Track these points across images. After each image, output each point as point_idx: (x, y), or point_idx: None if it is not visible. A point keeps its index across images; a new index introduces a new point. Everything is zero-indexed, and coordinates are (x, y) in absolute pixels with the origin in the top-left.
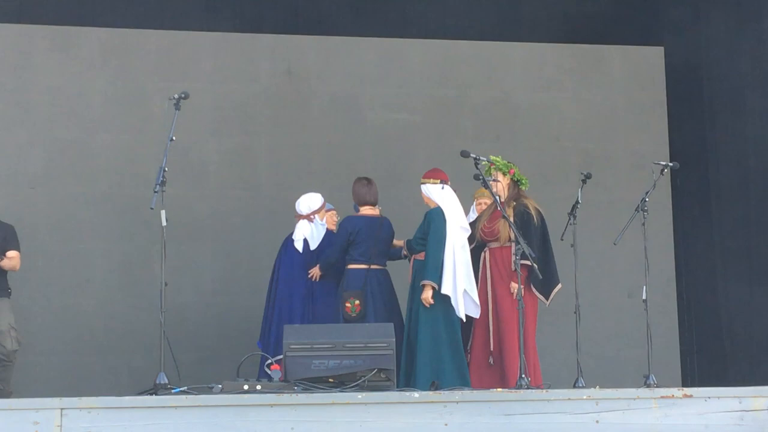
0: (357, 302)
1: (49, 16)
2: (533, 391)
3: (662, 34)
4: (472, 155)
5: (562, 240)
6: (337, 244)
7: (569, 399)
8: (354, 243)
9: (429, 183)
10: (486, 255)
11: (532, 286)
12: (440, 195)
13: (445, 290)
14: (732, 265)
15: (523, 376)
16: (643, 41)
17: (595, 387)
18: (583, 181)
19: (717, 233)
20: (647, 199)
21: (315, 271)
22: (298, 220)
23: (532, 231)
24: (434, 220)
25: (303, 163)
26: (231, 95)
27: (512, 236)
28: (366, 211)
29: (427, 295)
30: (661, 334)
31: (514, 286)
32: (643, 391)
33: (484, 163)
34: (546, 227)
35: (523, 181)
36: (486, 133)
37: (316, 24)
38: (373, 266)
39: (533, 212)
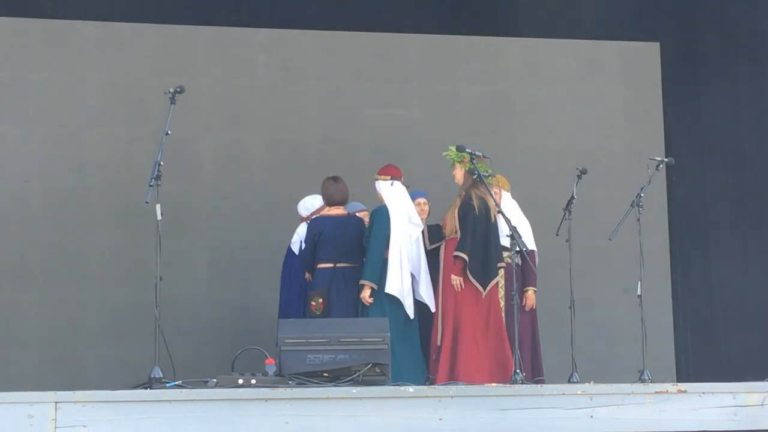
0: (320, 300)
1: (44, 10)
2: (528, 386)
3: (658, 30)
4: (467, 150)
5: (557, 235)
6: (306, 246)
7: (563, 394)
8: (319, 244)
9: (380, 180)
10: (442, 246)
11: (469, 275)
12: (388, 191)
13: (389, 289)
14: (727, 261)
15: (518, 371)
16: (638, 37)
17: (589, 382)
18: (579, 177)
19: (712, 229)
20: (642, 195)
21: (308, 274)
22: (300, 223)
23: (470, 221)
24: (376, 219)
25: (299, 159)
26: (227, 90)
27: (457, 228)
28: (333, 210)
29: (365, 294)
30: (656, 330)
31: (454, 278)
32: (638, 387)
33: (477, 160)
34: (489, 218)
35: (483, 168)
36: (482, 129)
37: (312, 19)
38: (339, 264)
39: (476, 202)
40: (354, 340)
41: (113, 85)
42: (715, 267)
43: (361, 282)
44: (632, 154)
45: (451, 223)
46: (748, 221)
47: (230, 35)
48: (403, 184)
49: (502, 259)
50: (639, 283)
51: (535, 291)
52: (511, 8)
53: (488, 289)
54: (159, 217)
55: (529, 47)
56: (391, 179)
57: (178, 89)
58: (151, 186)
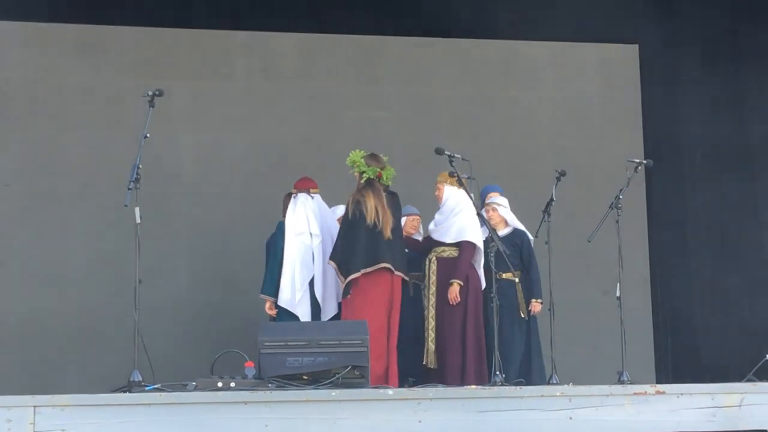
0: None
1: (22, 13)
2: (507, 388)
3: (636, 32)
4: (446, 152)
5: (536, 237)
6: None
7: (542, 396)
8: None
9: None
10: None
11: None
12: (291, 204)
13: (280, 302)
14: (706, 263)
15: (497, 373)
16: (617, 39)
17: (568, 384)
18: (558, 179)
19: (691, 230)
20: (621, 197)
21: None
22: None
23: (344, 225)
24: (273, 234)
25: (278, 161)
26: (206, 92)
27: None
28: None
29: (265, 306)
30: (636, 331)
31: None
32: (617, 388)
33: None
34: (358, 218)
35: (372, 171)
36: (461, 131)
37: (291, 21)
38: None
39: (350, 207)
40: (333, 342)
41: (92, 88)
42: (695, 268)
43: (260, 296)
44: (611, 156)
45: None
46: (727, 222)
47: (209, 37)
48: (310, 194)
49: (380, 261)
50: (618, 284)
51: (460, 284)
52: (489, 11)
53: (346, 281)
54: (138, 221)
55: (508, 49)
56: (296, 192)
57: (157, 92)
58: (129, 189)
